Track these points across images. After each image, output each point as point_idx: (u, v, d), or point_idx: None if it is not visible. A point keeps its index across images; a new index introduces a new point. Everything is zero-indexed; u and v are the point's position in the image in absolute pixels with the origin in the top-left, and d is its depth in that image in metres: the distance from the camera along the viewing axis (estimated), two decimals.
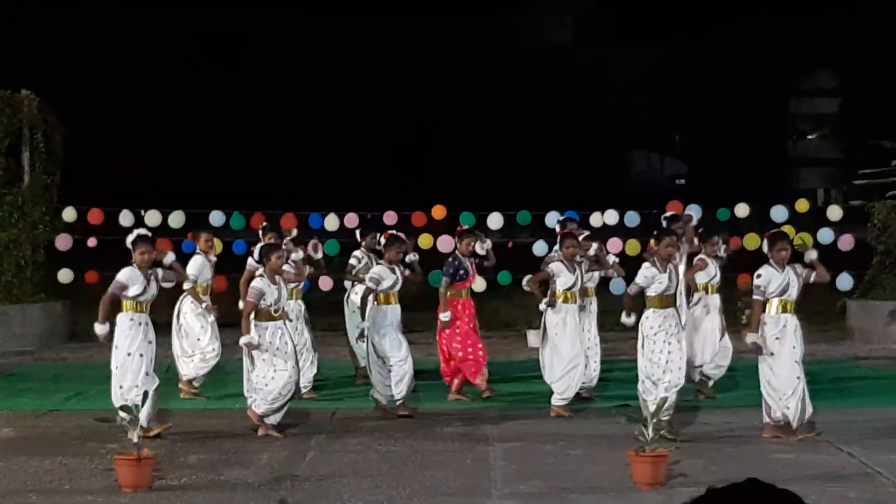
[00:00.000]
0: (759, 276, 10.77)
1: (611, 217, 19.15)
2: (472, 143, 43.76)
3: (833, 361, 16.37)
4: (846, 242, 18.82)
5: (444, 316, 12.89)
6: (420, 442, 10.78)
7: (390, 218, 19.03)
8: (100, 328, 10.87)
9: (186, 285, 13.06)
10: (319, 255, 14.04)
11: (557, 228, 13.82)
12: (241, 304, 11.92)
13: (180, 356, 13.33)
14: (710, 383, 13.15)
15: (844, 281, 18.60)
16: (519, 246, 19.42)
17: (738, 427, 11.32)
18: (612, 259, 13.54)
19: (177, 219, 19.02)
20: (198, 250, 13.61)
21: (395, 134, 44.47)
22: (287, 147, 41.88)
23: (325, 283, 17.40)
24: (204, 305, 13.19)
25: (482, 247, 13.46)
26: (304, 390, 13.16)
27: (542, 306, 12.56)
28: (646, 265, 11.06)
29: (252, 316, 10.83)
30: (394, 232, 12.69)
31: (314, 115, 43.30)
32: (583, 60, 51.31)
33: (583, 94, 49.72)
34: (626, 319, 11.40)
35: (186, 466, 9.73)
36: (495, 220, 19.38)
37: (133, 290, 10.78)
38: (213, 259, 13.71)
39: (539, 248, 18.69)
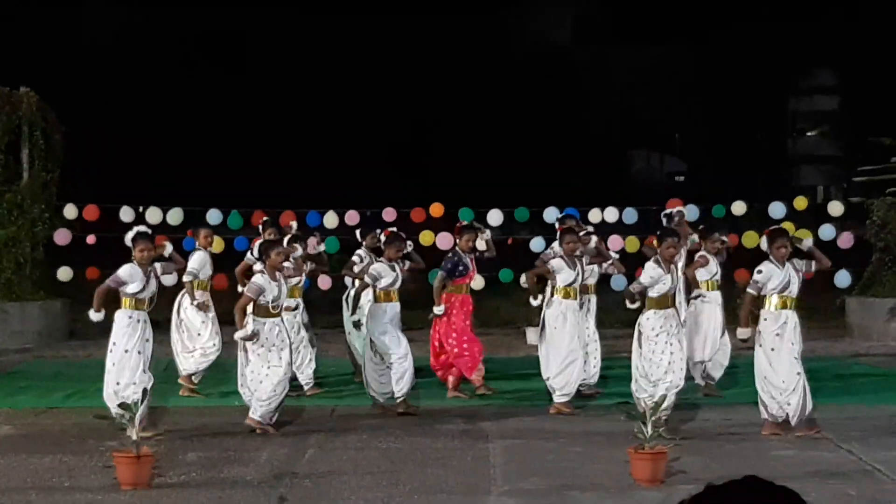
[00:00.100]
0: (759, 271, 10.76)
1: (610, 214, 19.15)
2: (472, 143, 43.74)
3: (832, 358, 16.38)
4: (846, 240, 18.82)
5: (437, 309, 12.90)
6: (420, 439, 10.78)
7: (389, 215, 19.02)
8: (95, 315, 10.98)
9: (186, 278, 13.10)
10: (322, 249, 14.05)
11: (557, 225, 13.83)
12: (240, 289, 11.94)
13: (180, 351, 13.35)
14: (713, 383, 13.15)
15: (843, 278, 18.60)
16: (517, 242, 19.41)
17: (737, 424, 11.32)
18: (612, 256, 13.53)
19: (175, 216, 19.02)
20: (197, 246, 13.63)
21: (395, 133, 44.44)
22: (287, 146, 41.85)
23: (325, 281, 17.39)
24: (195, 303, 13.20)
25: (482, 241, 13.47)
26: (306, 387, 13.18)
27: (533, 301, 12.57)
28: (651, 265, 11.00)
29: (249, 310, 10.83)
30: (394, 230, 12.70)
31: (314, 114, 43.27)
32: (583, 60, 51.28)
33: (583, 94, 49.69)
34: (632, 305, 11.27)
35: (186, 464, 9.73)
36: (495, 217, 19.37)
37: (132, 287, 10.79)
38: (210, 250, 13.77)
39: (536, 244, 18.68)
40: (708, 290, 13.05)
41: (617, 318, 17.10)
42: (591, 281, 13.15)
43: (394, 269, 12.00)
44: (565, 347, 12.05)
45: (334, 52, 45.10)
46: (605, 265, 13.38)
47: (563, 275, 12.08)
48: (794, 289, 10.73)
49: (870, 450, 10.11)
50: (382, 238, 12.53)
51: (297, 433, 11.13)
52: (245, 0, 44.30)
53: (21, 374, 15.49)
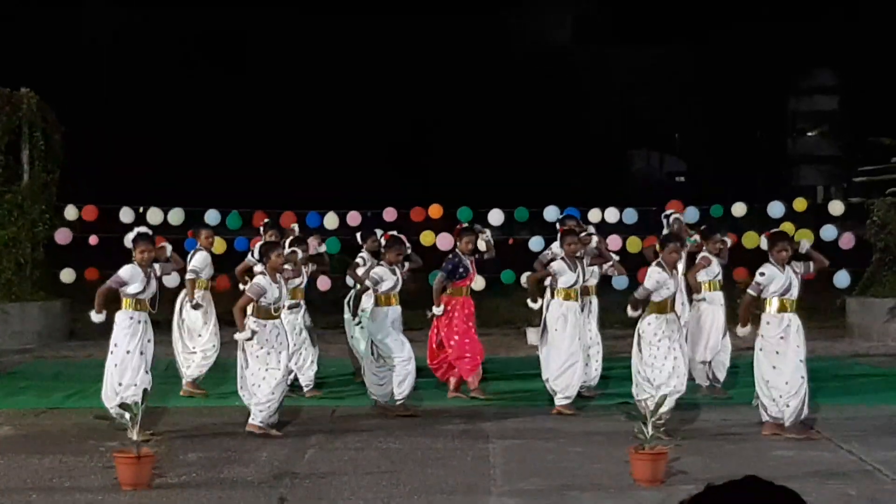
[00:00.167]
0: (762, 273, 10.73)
1: (610, 214, 19.14)
2: (472, 143, 43.74)
3: (832, 358, 16.37)
4: (847, 241, 18.83)
5: (436, 310, 12.91)
6: (420, 440, 10.78)
7: (390, 215, 19.03)
8: (96, 316, 10.96)
9: (189, 276, 13.14)
10: (322, 250, 14.06)
11: (557, 225, 13.82)
12: (241, 286, 11.95)
13: (181, 352, 13.36)
14: (720, 385, 13.14)
15: (842, 278, 18.60)
16: (518, 242, 19.41)
17: (737, 424, 11.32)
18: (613, 258, 13.52)
19: (176, 216, 19.03)
20: (199, 246, 13.64)
21: (395, 134, 44.44)
22: (287, 146, 41.85)
23: (324, 282, 17.39)
24: (192, 302, 13.22)
25: (483, 241, 13.46)
26: (305, 389, 13.17)
27: (532, 305, 12.56)
28: (656, 270, 10.90)
29: (249, 311, 10.83)
30: (394, 233, 12.71)
31: (314, 114, 43.27)
32: (582, 60, 51.28)
33: (583, 93, 49.70)
34: (633, 313, 11.14)
35: (186, 464, 9.73)
36: (496, 217, 19.37)
37: (133, 288, 10.79)
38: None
39: (536, 243, 18.69)
40: (710, 290, 13.03)
41: (617, 318, 17.07)
42: (592, 282, 13.12)
43: (394, 273, 12.01)
44: (566, 350, 12.03)
45: (334, 52, 45.10)
46: (605, 266, 13.36)
47: (565, 277, 12.08)
48: (795, 292, 10.73)
49: (870, 450, 10.11)
50: (382, 242, 12.54)
51: (297, 433, 11.13)
52: (245, 0, 44.31)
53: (21, 375, 15.49)
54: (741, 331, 10.95)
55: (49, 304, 19.09)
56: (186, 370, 13.34)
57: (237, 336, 10.76)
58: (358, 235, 14.63)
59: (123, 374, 10.70)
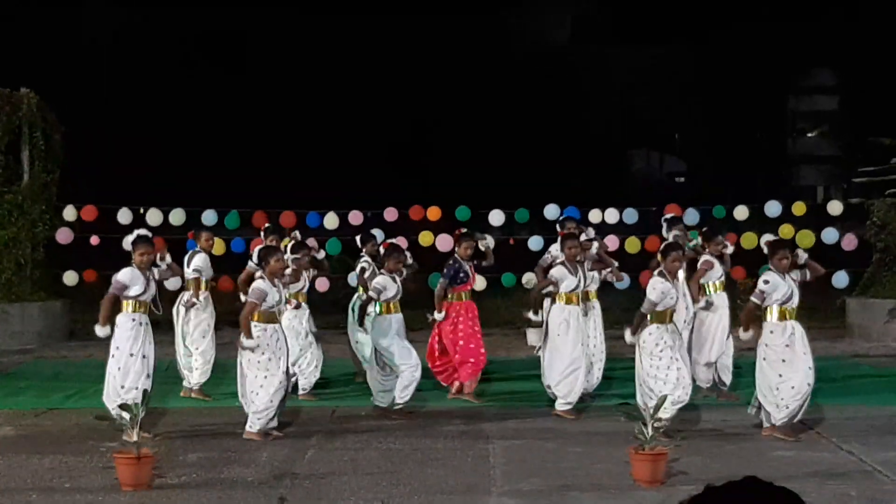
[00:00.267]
0: (766, 281, 10.68)
1: (610, 215, 19.15)
2: (472, 143, 43.73)
3: (832, 359, 16.37)
4: (849, 242, 18.84)
5: (438, 315, 12.92)
6: (420, 440, 10.79)
7: (391, 214, 19.03)
8: (101, 330, 10.81)
9: (193, 275, 13.15)
10: (322, 256, 14.07)
11: (558, 228, 13.80)
12: (242, 298, 11.91)
13: (183, 355, 13.35)
14: (726, 388, 13.13)
15: (841, 278, 18.62)
16: (518, 242, 19.42)
17: (737, 424, 11.32)
18: (613, 263, 13.50)
19: (177, 216, 19.04)
20: (198, 248, 13.64)
21: (395, 134, 44.43)
22: (287, 146, 41.85)
23: (322, 283, 17.42)
24: (186, 300, 13.22)
25: (483, 247, 13.45)
26: (301, 391, 13.16)
27: (532, 317, 12.53)
28: (659, 280, 10.75)
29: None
30: (393, 241, 12.75)
31: (314, 114, 43.28)
32: (582, 60, 51.27)
33: (582, 94, 49.68)
34: (630, 338, 10.86)
35: (186, 465, 9.73)
36: (496, 217, 19.37)
37: (134, 290, 10.78)
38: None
39: (535, 242, 18.69)
40: (714, 291, 13.01)
41: (617, 318, 17.09)
42: (593, 287, 13.09)
43: (395, 281, 12.03)
44: (569, 355, 11.99)
45: (334, 52, 45.10)
46: (604, 272, 13.34)
47: (566, 282, 12.05)
48: (796, 300, 10.73)
49: (870, 450, 10.12)
50: (381, 250, 12.59)
51: (297, 433, 11.13)
52: (245, 0, 44.31)
53: (21, 375, 15.49)
54: (744, 335, 10.89)
55: (49, 304, 19.10)
56: (191, 377, 13.33)
57: (246, 343, 10.68)
58: (357, 239, 14.64)
59: (126, 377, 10.69)
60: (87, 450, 10.28)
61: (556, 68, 49.22)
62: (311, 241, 14.12)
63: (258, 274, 11.17)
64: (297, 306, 12.99)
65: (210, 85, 42.70)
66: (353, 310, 14.08)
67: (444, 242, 17.92)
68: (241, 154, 40.66)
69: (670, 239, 12.40)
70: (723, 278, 13.15)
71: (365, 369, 13.64)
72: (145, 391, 10.22)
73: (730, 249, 13.43)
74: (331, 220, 19.19)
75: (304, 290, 13.28)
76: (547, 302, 12.48)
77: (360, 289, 13.89)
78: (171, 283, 13.53)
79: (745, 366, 13.31)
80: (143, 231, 11.33)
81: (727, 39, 49.11)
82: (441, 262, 13.58)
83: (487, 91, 45.38)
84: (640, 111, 53.21)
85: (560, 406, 12.02)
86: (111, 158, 36.32)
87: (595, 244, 12.90)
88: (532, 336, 14.79)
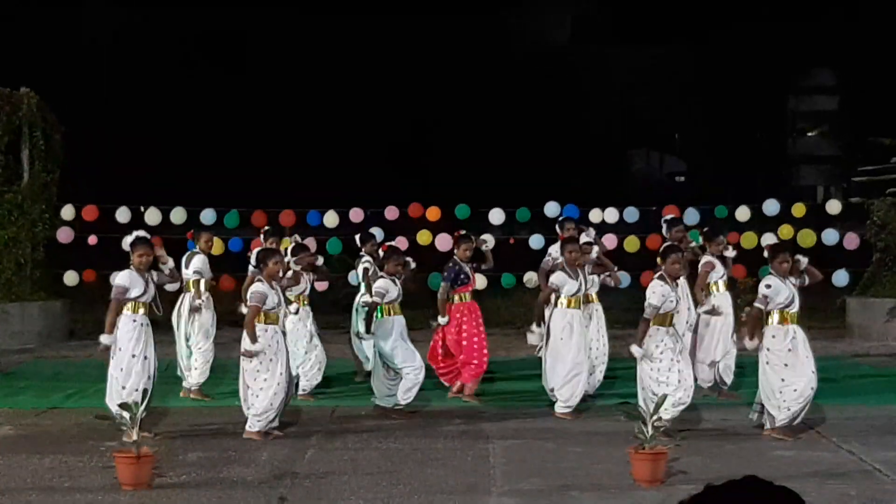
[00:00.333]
0: (768, 286, 10.67)
1: (610, 215, 19.15)
2: (472, 143, 43.74)
3: (832, 358, 16.36)
4: (851, 241, 18.83)
5: (442, 320, 12.92)
6: (420, 440, 10.79)
7: (392, 213, 19.03)
8: (107, 339, 10.67)
9: (194, 277, 13.15)
10: (320, 263, 14.06)
11: (558, 229, 13.77)
12: (242, 309, 11.89)
13: (183, 357, 13.35)
14: (727, 388, 13.12)
15: (841, 277, 18.62)
16: (518, 242, 19.42)
17: (737, 424, 11.32)
18: (613, 267, 13.49)
19: (178, 215, 19.03)
20: (198, 249, 13.64)
21: (395, 134, 44.44)
22: (287, 146, 41.86)
23: (321, 283, 17.43)
24: (195, 304, 13.22)
25: (484, 247, 13.45)
26: (301, 391, 13.16)
27: (534, 329, 12.53)
28: (659, 283, 10.72)
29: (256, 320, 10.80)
30: (391, 244, 12.75)
31: (314, 114, 43.28)
32: (582, 60, 51.26)
33: (582, 93, 49.68)
34: (637, 351, 10.72)
35: (186, 464, 9.73)
36: (497, 216, 19.37)
37: (135, 292, 10.76)
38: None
39: (535, 241, 18.68)
40: (717, 290, 12.99)
41: (617, 318, 17.10)
42: (593, 291, 13.08)
43: (395, 283, 12.04)
44: (571, 359, 11.97)
45: (334, 52, 45.10)
46: (603, 275, 13.33)
47: (567, 286, 12.05)
48: (797, 304, 10.73)
49: (870, 450, 10.11)
50: (380, 253, 12.59)
51: (297, 433, 11.13)
52: (245, 0, 44.31)
53: (21, 375, 15.49)
54: (749, 344, 10.79)
55: (49, 304, 19.10)
56: (190, 377, 13.32)
57: (252, 347, 10.67)
58: (357, 238, 14.62)
59: (128, 378, 10.66)
60: (87, 449, 10.27)
61: (556, 68, 49.22)
62: (311, 242, 14.09)
63: (257, 277, 11.16)
64: (297, 311, 12.97)
65: (210, 85, 42.70)
66: (357, 311, 14.06)
67: (444, 242, 17.92)
68: (241, 154, 40.66)
69: (676, 238, 12.44)
70: (725, 278, 13.14)
71: (365, 369, 13.65)
72: (145, 391, 10.21)
73: (732, 253, 13.39)
74: (331, 219, 19.19)
75: (306, 292, 13.27)
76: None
77: (364, 288, 13.89)
78: (171, 285, 13.51)
79: (747, 365, 13.31)
80: (141, 232, 11.30)
81: (727, 39, 49.11)
82: (441, 261, 13.56)
83: (487, 91, 45.39)
84: (640, 111, 53.20)
85: (560, 409, 12.01)
86: (111, 158, 36.32)
87: (595, 248, 12.89)
88: (532, 336, 14.80)
